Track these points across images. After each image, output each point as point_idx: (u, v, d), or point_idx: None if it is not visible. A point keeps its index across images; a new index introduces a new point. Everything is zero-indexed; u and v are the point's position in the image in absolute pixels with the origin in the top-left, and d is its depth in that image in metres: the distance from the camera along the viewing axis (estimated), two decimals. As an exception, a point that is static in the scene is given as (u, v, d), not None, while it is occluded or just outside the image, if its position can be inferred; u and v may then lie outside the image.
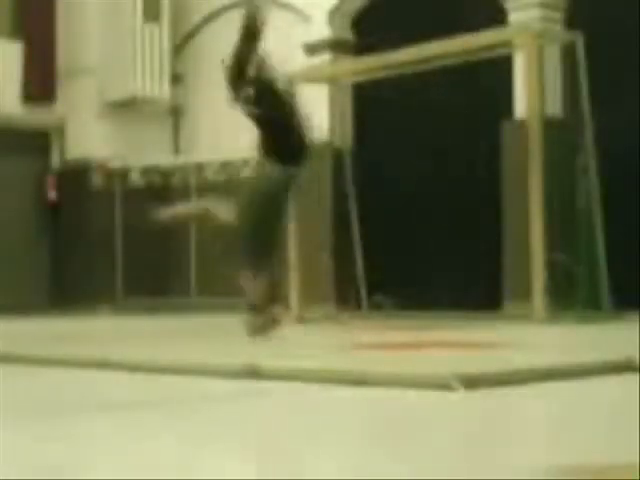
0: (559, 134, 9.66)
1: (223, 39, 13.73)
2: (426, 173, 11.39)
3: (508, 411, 3.49)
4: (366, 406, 3.62)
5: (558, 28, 10.37)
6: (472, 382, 3.75)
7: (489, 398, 3.65)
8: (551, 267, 8.74)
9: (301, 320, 9.80)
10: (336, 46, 12.29)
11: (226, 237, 7.21)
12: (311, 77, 11.02)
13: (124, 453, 2.70)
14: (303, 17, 12.55)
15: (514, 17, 10.47)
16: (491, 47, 9.47)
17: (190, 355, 5.38)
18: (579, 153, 9.20)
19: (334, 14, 12.32)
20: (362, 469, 2.40)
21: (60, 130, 14.22)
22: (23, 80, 13.76)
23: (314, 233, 11.21)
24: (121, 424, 3.25)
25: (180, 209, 8.14)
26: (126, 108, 13.88)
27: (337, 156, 11.82)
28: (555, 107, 10.24)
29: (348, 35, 12.41)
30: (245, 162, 12.77)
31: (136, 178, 13.95)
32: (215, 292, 12.79)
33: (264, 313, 6.60)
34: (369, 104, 12.00)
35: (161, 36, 13.81)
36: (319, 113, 12.07)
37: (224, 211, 6.94)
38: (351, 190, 11.25)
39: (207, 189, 12.62)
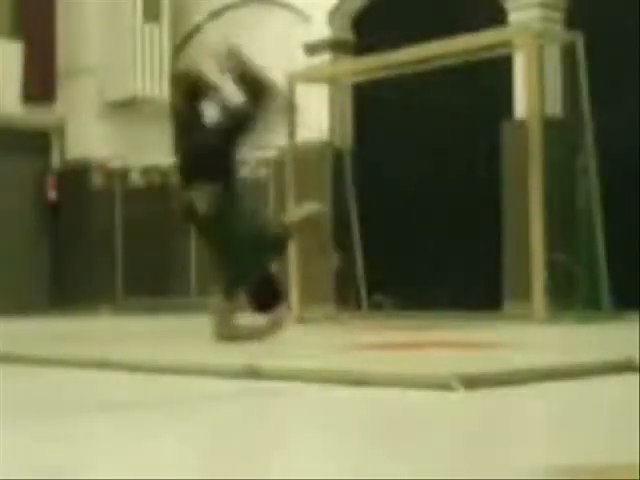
0: (559, 134, 9.66)
1: (223, 39, 13.75)
2: (426, 173, 11.39)
3: (508, 411, 3.49)
4: (366, 406, 3.62)
5: (558, 28, 10.37)
6: (472, 382, 3.75)
7: (489, 398, 3.65)
8: (551, 267, 8.74)
9: (301, 320, 9.80)
10: (336, 46, 12.29)
11: None
12: (311, 77, 11.02)
13: (124, 453, 2.70)
14: (303, 17, 12.55)
15: (514, 17, 10.47)
16: (491, 47, 9.47)
17: (190, 355, 5.38)
18: (579, 153, 9.21)
19: (334, 14, 12.32)
20: (362, 469, 2.40)
21: (60, 130, 14.23)
22: (23, 80, 13.77)
23: (314, 233, 11.20)
24: (121, 424, 3.25)
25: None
26: (126, 108, 13.88)
27: (337, 156, 11.82)
28: (555, 107, 10.24)
29: (348, 35, 12.41)
30: (244, 162, 12.77)
31: (136, 178, 13.95)
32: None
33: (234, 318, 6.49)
34: (369, 104, 12.00)
35: (161, 36, 13.82)
36: (319, 113, 12.09)
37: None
38: (351, 190, 11.25)
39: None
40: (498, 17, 10.44)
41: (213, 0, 13.80)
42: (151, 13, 13.71)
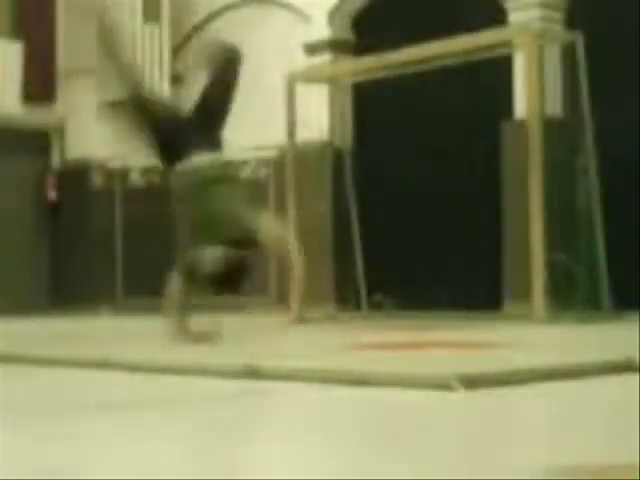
0: (559, 134, 9.66)
1: (223, 39, 13.75)
2: (426, 173, 11.39)
3: (508, 411, 3.49)
4: (366, 406, 3.62)
5: (558, 28, 10.37)
6: (472, 382, 3.75)
7: (489, 398, 3.65)
8: (551, 267, 8.74)
9: (301, 320, 9.79)
10: (336, 46, 12.29)
11: None
12: (311, 77, 11.02)
13: (124, 453, 2.70)
14: (303, 17, 12.55)
15: (514, 17, 10.47)
16: (491, 47, 9.47)
17: (190, 355, 5.38)
18: (579, 153, 9.21)
19: (334, 14, 12.32)
20: (362, 469, 2.40)
21: (60, 130, 14.23)
22: (23, 80, 13.77)
23: (314, 233, 11.21)
24: (121, 424, 3.25)
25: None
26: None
27: (337, 156, 11.82)
28: (555, 107, 10.24)
29: (348, 35, 12.41)
30: (245, 162, 12.77)
31: (136, 178, 13.95)
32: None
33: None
34: (369, 104, 12.00)
35: (161, 36, 13.82)
36: (319, 113, 12.09)
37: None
38: (351, 190, 11.25)
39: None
40: (498, 17, 10.44)
41: (213, 0, 13.80)
42: (151, 13, 13.72)
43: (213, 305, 11.85)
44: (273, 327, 8.91)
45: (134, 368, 4.90)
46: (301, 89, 10.45)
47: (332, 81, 11.41)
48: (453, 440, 2.82)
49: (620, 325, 7.76)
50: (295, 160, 10.33)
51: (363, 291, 11.17)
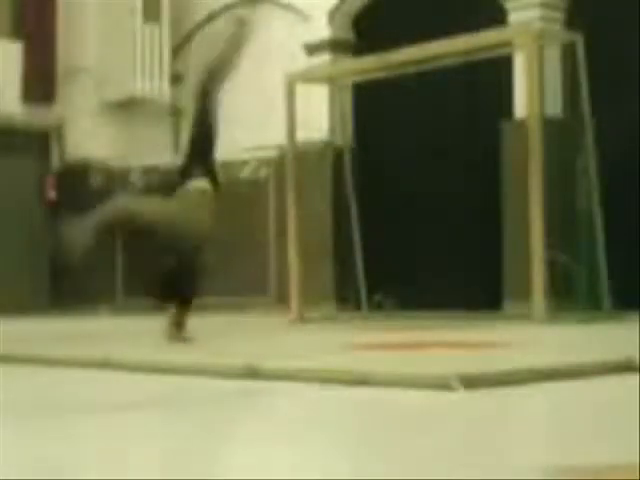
0: (559, 134, 9.67)
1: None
2: (426, 173, 11.39)
3: (508, 411, 3.49)
4: (366, 406, 3.62)
5: (558, 28, 10.37)
6: (472, 382, 3.75)
7: (489, 398, 3.65)
8: (551, 267, 8.74)
9: (301, 320, 9.80)
10: (336, 46, 12.30)
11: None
12: (311, 77, 11.02)
13: (124, 453, 2.70)
14: (303, 17, 12.55)
15: (514, 17, 10.48)
16: (491, 47, 9.47)
17: (190, 355, 5.38)
18: (579, 153, 9.21)
19: (334, 14, 12.32)
20: (362, 469, 2.40)
21: (60, 130, 14.22)
22: (23, 80, 13.77)
23: (314, 233, 11.21)
24: (121, 424, 3.25)
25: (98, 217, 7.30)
26: (126, 108, 13.88)
27: (337, 156, 11.82)
28: (555, 107, 10.24)
29: (348, 35, 12.41)
30: (244, 162, 12.78)
31: (136, 178, 13.95)
32: (215, 292, 12.79)
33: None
34: (369, 104, 12.00)
35: (161, 36, 13.82)
36: (319, 113, 12.10)
37: (150, 209, 6.85)
38: (351, 190, 11.25)
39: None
40: (498, 17, 10.44)
41: (213, 0, 13.80)
42: (151, 13, 13.71)
43: (213, 305, 11.87)
44: (273, 327, 8.92)
45: (134, 368, 4.90)
46: (301, 89, 10.44)
47: (332, 81, 11.41)
48: (453, 440, 2.82)
49: (620, 325, 7.76)
50: (295, 160, 10.32)
51: (363, 291, 11.17)
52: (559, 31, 10.28)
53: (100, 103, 13.89)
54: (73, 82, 14.04)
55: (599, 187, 9.11)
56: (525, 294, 8.76)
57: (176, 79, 14.08)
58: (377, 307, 11.20)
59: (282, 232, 10.87)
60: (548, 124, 9.26)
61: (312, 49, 12.30)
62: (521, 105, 9.99)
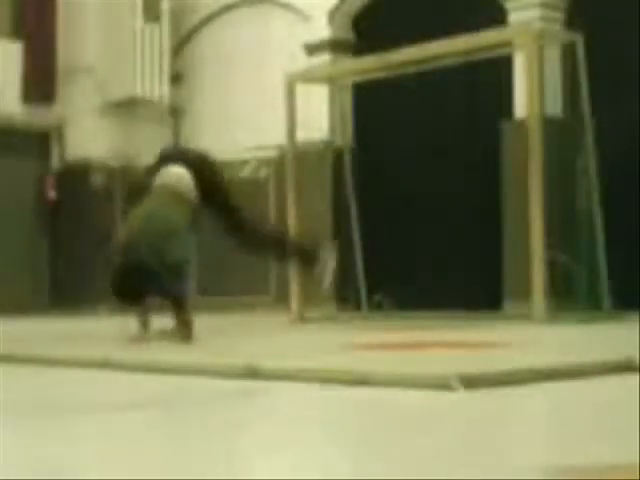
0: (559, 134, 9.67)
1: (223, 39, 13.76)
2: (426, 173, 11.39)
3: (508, 411, 3.48)
4: (366, 406, 3.62)
5: (558, 28, 10.38)
6: (472, 382, 3.75)
7: (489, 398, 3.65)
8: (551, 267, 8.74)
9: (301, 320, 9.80)
10: (336, 46, 12.30)
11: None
12: (311, 77, 11.02)
13: (124, 453, 2.69)
14: (303, 17, 12.55)
15: (514, 17, 10.48)
16: (491, 47, 9.47)
17: (190, 355, 5.38)
18: (579, 153, 9.21)
19: (334, 14, 12.33)
20: (362, 469, 2.40)
21: (60, 130, 14.23)
22: (23, 80, 13.77)
23: (314, 233, 11.21)
24: (121, 424, 3.25)
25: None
26: (126, 108, 13.88)
27: (337, 156, 11.83)
28: (555, 107, 10.25)
29: (348, 35, 12.42)
30: (244, 162, 12.78)
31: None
32: (215, 292, 12.80)
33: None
34: (369, 104, 12.00)
35: (161, 36, 13.82)
36: (319, 113, 12.10)
37: None
38: (351, 190, 11.26)
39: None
40: (498, 17, 10.45)
41: (213, 0, 13.80)
42: (151, 13, 13.72)
43: (213, 305, 11.87)
44: (273, 327, 8.92)
45: (134, 368, 4.90)
46: (301, 89, 10.45)
47: (332, 81, 11.41)
48: (453, 440, 2.82)
49: (620, 325, 7.76)
50: (295, 160, 10.33)
51: (363, 291, 11.17)
52: (559, 31, 10.29)
53: (100, 103, 13.89)
54: (73, 82, 14.04)
55: (599, 187, 9.12)
56: (525, 294, 8.76)
57: (176, 79, 14.08)
58: (377, 307, 11.20)
59: (282, 232, 10.86)
60: (548, 124, 9.26)
61: (312, 49, 12.30)
62: (521, 105, 10.00)
